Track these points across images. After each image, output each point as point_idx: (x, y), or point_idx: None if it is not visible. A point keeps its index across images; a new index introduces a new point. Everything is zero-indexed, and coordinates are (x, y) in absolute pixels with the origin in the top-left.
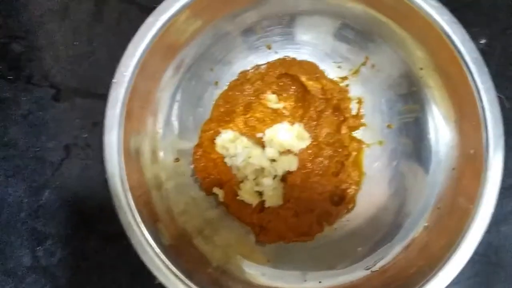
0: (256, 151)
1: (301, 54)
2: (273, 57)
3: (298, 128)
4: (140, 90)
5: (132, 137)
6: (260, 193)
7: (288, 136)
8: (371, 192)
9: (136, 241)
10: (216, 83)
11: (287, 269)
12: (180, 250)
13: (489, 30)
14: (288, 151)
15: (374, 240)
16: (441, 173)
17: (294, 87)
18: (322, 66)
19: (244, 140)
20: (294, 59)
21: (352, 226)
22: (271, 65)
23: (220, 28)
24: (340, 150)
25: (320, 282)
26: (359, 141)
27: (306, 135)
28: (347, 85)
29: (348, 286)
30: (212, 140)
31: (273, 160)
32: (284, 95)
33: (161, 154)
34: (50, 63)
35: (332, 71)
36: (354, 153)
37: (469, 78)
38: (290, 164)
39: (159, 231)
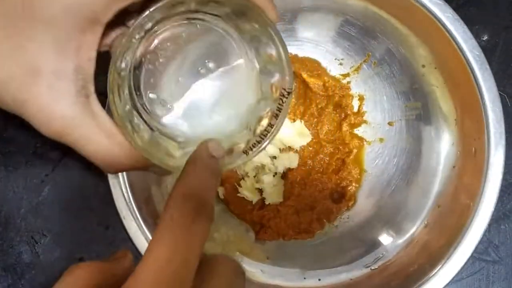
0: None
1: (303, 51)
2: None
3: (299, 125)
4: None
5: None
6: (260, 190)
7: (289, 133)
8: (372, 190)
9: (136, 238)
10: None
11: (286, 266)
12: None
13: (491, 28)
14: (289, 148)
15: (374, 238)
16: (442, 171)
17: (295, 84)
18: (324, 63)
19: None
20: (295, 56)
21: (353, 224)
22: None
23: None
24: (341, 147)
25: (319, 279)
26: (360, 139)
27: (307, 132)
28: (348, 82)
29: (348, 284)
30: None
31: (273, 157)
32: None
33: None
34: None
35: (333, 68)
36: (355, 151)
37: (471, 75)
38: (291, 161)
39: None
